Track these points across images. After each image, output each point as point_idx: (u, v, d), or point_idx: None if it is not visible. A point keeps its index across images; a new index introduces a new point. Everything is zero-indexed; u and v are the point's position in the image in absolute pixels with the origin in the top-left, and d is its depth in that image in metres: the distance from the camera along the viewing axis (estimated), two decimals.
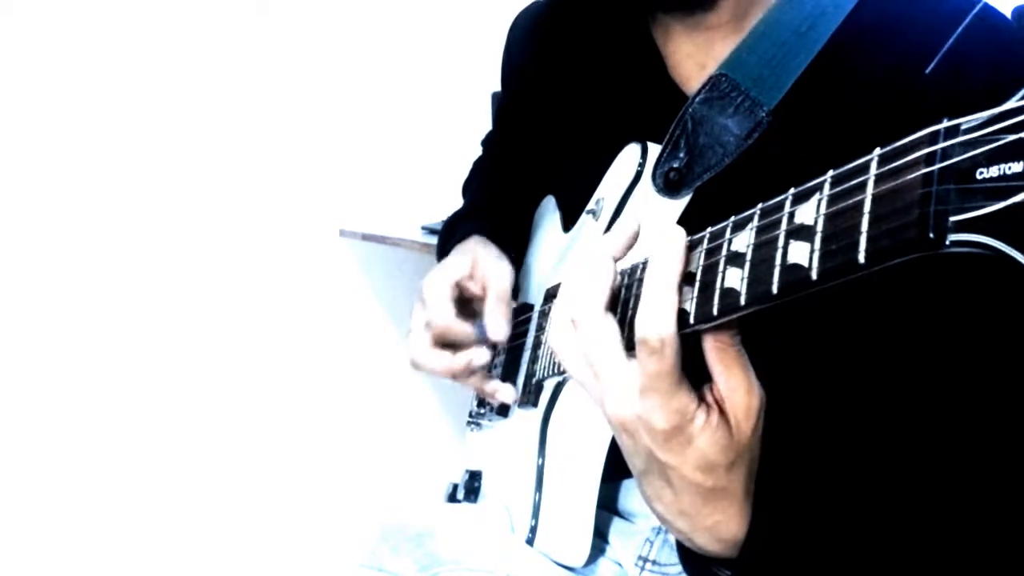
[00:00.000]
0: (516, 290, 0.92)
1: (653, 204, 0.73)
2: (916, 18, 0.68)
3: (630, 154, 0.79)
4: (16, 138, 1.52)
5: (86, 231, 1.61)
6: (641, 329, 0.49)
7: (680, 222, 0.58)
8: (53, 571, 1.62)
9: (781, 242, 0.42)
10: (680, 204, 0.71)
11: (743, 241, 0.45)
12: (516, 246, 0.97)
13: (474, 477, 0.93)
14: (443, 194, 1.43)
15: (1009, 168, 0.30)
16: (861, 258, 0.36)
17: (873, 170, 0.36)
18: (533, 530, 0.77)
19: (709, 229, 0.49)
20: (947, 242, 0.32)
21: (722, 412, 0.51)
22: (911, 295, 0.60)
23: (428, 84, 1.92)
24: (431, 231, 1.71)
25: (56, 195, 1.57)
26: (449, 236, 1.00)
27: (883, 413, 0.66)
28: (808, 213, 0.40)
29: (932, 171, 0.33)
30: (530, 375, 0.85)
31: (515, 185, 1.04)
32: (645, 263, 0.54)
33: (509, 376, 0.89)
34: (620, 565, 0.81)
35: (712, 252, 0.48)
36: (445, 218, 1.08)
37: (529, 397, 0.84)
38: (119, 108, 1.61)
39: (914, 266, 0.35)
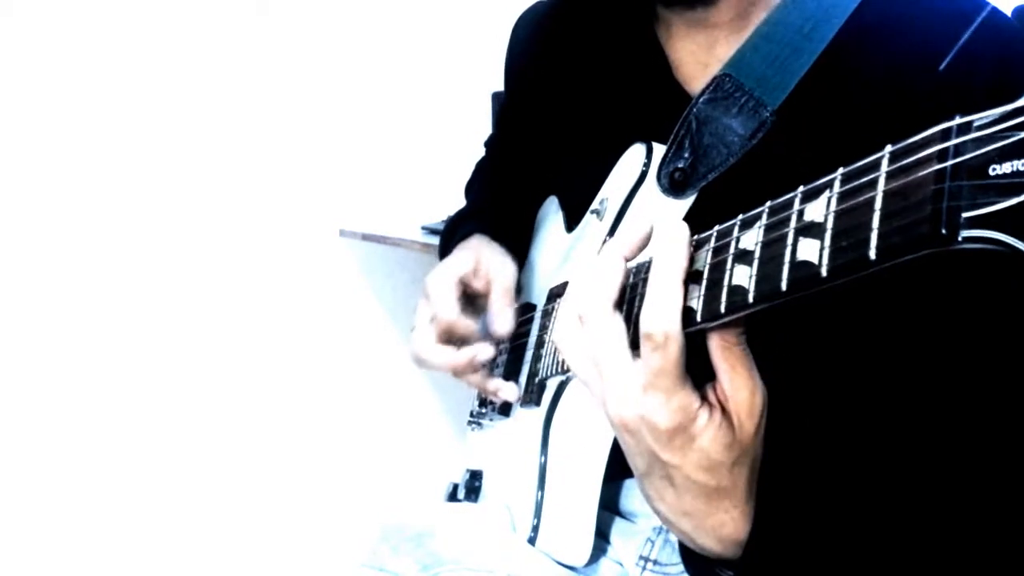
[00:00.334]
0: (519, 290, 0.92)
1: (658, 204, 0.73)
2: (921, 18, 0.68)
3: (635, 154, 0.79)
4: (16, 138, 1.52)
5: (86, 231, 1.61)
6: (646, 324, 0.49)
7: (685, 222, 0.58)
8: (53, 571, 1.61)
9: (790, 239, 0.42)
10: (685, 204, 0.71)
11: (751, 239, 0.45)
12: (519, 246, 0.97)
13: (475, 476, 0.93)
14: (443, 194, 1.43)
15: (1022, 164, 0.30)
16: (872, 255, 0.36)
17: (884, 167, 0.36)
18: (535, 529, 0.77)
19: (716, 228, 0.49)
20: (959, 238, 0.32)
21: (724, 411, 0.51)
22: (921, 292, 0.60)
23: (428, 84, 1.93)
24: (431, 231, 1.71)
25: (56, 195, 1.57)
26: (451, 235, 1.00)
27: (889, 412, 0.65)
28: (818, 210, 0.40)
29: (945, 167, 0.33)
30: (533, 374, 0.85)
31: (517, 185, 1.04)
32: (651, 262, 0.54)
33: (511, 375, 0.89)
34: (621, 565, 0.81)
35: (719, 250, 0.48)
36: (446, 218, 1.08)
37: (531, 396, 0.84)
38: (119, 108, 1.60)
39: (924, 263, 0.35)
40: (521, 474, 0.81)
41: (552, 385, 0.81)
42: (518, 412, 0.88)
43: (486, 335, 0.86)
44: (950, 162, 0.33)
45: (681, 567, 0.76)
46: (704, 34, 0.77)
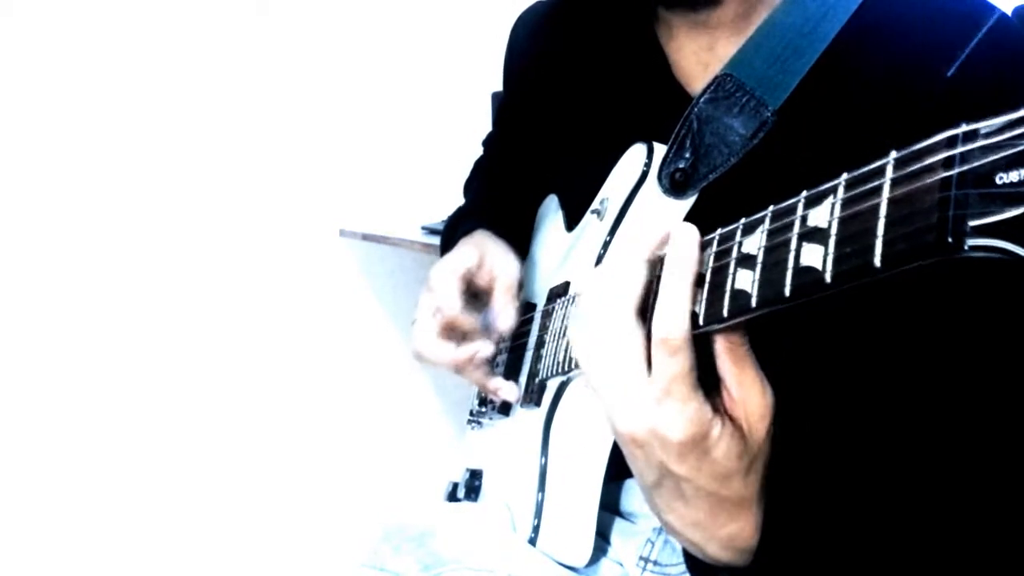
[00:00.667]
0: (519, 288, 0.92)
1: (658, 204, 0.73)
2: (926, 20, 0.68)
3: (636, 154, 0.79)
4: (16, 138, 1.52)
5: (86, 231, 1.60)
6: (661, 329, 0.48)
7: (690, 223, 0.58)
8: (53, 571, 1.61)
9: (794, 245, 0.42)
10: (686, 204, 0.71)
11: (754, 243, 0.45)
12: (518, 245, 0.96)
13: (475, 476, 0.92)
14: (443, 194, 1.43)
15: None
16: (877, 262, 0.36)
17: (889, 173, 0.36)
18: (536, 529, 0.77)
19: (719, 231, 0.49)
20: (966, 247, 0.32)
21: (733, 420, 0.50)
22: (926, 297, 0.60)
23: (428, 84, 1.92)
24: (431, 231, 1.71)
25: (56, 195, 1.57)
26: (453, 231, 1.00)
27: (895, 417, 0.65)
28: (822, 216, 0.40)
29: (951, 175, 0.33)
30: (533, 374, 0.85)
31: (517, 185, 1.04)
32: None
33: (512, 376, 0.89)
34: (621, 565, 0.81)
35: (722, 254, 0.48)
36: (445, 218, 1.08)
37: (532, 396, 0.84)
38: (119, 108, 1.60)
39: (929, 270, 0.35)
40: (521, 474, 0.81)
41: (552, 386, 0.81)
42: (518, 412, 0.88)
43: (488, 331, 0.85)
44: (956, 170, 0.32)
45: (681, 567, 0.77)
46: (706, 35, 0.77)
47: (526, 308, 0.91)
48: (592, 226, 0.84)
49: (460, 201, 1.12)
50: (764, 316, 0.45)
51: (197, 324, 1.74)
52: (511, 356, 0.92)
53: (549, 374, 0.80)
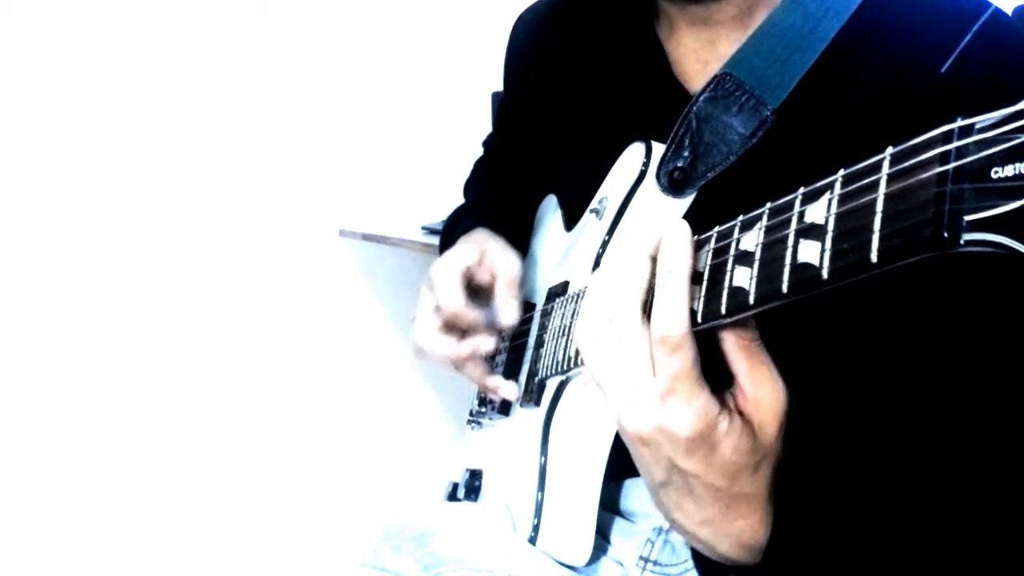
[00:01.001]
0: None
1: (657, 203, 0.73)
2: (923, 18, 0.68)
3: (634, 153, 0.79)
4: (16, 138, 1.52)
5: (86, 231, 1.60)
6: (660, 327, 0.48)
7: (685, 220, 0.58)
8: (53, 571, 1.61)
9: (791, 241, 0.42)
10: (684, 203, 0.71)
11: (752, 240, 0.45)
12: (517, 244, 0.97)
13: (475, 476, 0.92)
14: (443, 194, 1.43)
15: None
16: (874, 257, 0.36)
17: (885, 169, 0.36)
18: (536, 529, 0.77)
19: (716, 228, 0.49)
20: (961, 242, 0.32)
21: (743, 415, 0.50)
22: (923, 293, 0.60)
23: (428, 84, 1.92)
24: (431, 231, 1.71)
25: (56, 195, 1.57)
26: (452, 230, 1.00)
27: (898, 414, 0.65)
28: (818, 212, 0.40)
29: (947, 170, 0.33)
30: (532, 374, 0.85)
31: (516, 184, 1.04)
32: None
33: (511, 375, 0.89)
34: (621, 564, 0.81)
35: (720, 251, 0.48)
36: (445, 217, 1.08)
37: (531, 396, 0.84)
38: (119, 108, 1.60)
39: (926, 266, 0.35)
40: (521, 474, 0.81)
41: (552, 385, 0.81)
42: (518, 412, 0.88)
43: (491, 325, 0.85)
44: (952, 165, 0.32)
45: (681, 567, 0.76)
46: (706, 32, 0.77)
47: (525, 308, 0.91)
48: (591, 225, 0.84)
49: (460, 201, 1.12)
50: (763, 313, 0.45)
51: (197, 324, 1.74)
52: (510, 356, 0.92)
53: (549, 373, 0.80)
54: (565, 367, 0.75)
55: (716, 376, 0.50)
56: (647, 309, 0.51)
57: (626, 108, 0.82)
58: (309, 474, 1.88)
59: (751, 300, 0.44)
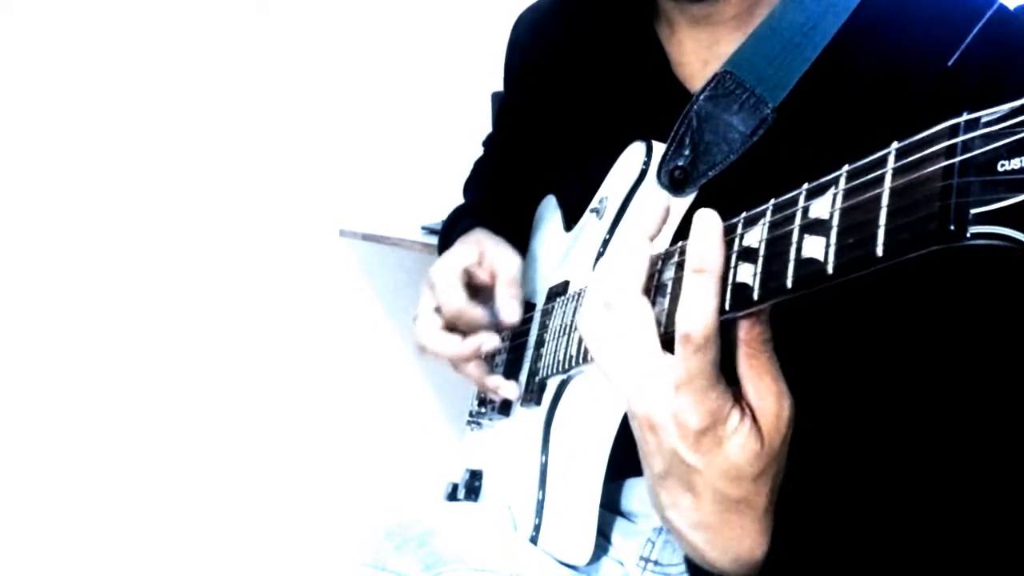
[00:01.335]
0: None
1: (658, 202, 0.72)
2: (926, 14, 0.68)
3: (635, 152, 0.79)
4: (16, 138, 1.52)
5: (86, 231, 1.60)
6: (685, 324, 0.46)
7: (685, 220, 0.57)
8: (53, 571, 1.61)
9: (795, 236, 0.41)
10: (685, 202, 0.71)
11: (755, 236, 0.45)
12: (517, 244, 0.97)
13: (475, 476, 0.92)
14: (443, 194, 1.42)
15: None
16: (879, 251, 0.35)
17: (891, 163, 0.36)
18: (537, 528, 0.77)
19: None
20: (968, 235, 0.32)
21: (755, 419, 0.49)
22: (928, 288, 0.60)
23: (428, 84, 1.92)
24: (431, 231, 1.71)
25: (56, 195, 1.57)
26: (451, 230, 1.00)
27: (906, 421, 0.64)
28: (823, 207, 0.40)
29: (953, 163, 0.33)
30: (533, 373, 0.85)
31: (516, 184, 1.04)
32: (666, 254, 0.53)
33: (511, 375, 0.89)
34: (622, 564, 0.81)
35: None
36: (445, 217, 1.08)
37: (532, 396, 0.84)
38: (119, 108, 1.60)
39: (932, 259, 0.34)
40: (522, 474, 0.81)
41: (552, 385, 0.81)
42: (518, 412, 0.88)
43: (493, 323, 0.85)
44: (958, 158, 0.32)
45: (682, 568, 0.76)
46: (707, 31, 0.77)
47: (525, 308, 0.91)
48: (591, 225, 0.84)
49: (460, 201, 1.12)
50: (771, 317, 0.44)
51: (197, 324, 1.74)
52: (510, 356, 0.92)
53: (549, 372, 0.80)
54: (566, 366, 0.75)
55: (733, 374, 0.50)
56: (647, 290, 0.51)
57: (626, 108, 0.82)
58: (310, 474, 1.88)
59: (755, 296, 0.44)
